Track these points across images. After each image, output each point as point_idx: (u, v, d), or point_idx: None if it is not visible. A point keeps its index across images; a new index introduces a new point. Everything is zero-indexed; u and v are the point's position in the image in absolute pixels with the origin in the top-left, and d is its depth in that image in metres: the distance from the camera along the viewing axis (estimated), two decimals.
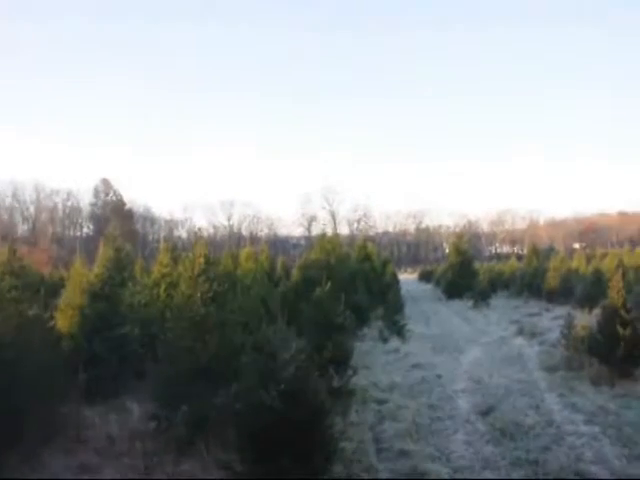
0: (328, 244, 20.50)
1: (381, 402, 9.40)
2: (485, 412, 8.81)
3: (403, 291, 33.28)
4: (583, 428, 7.97)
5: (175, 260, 13.21)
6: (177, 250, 15.61)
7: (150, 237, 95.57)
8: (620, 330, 10.39)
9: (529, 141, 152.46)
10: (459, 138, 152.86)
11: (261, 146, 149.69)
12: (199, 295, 7.49)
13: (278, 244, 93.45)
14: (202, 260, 7.75)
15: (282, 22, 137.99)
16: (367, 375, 11.27)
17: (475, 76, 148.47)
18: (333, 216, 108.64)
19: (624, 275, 23.95)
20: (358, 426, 8.09)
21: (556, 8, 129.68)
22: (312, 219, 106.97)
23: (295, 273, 20.00)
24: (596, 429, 7.89)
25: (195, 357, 7.10)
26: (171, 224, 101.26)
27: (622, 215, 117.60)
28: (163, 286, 12.30)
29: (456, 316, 24.55)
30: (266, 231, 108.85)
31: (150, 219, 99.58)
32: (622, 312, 10.62)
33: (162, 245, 15.58)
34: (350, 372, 9.21)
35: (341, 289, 12.15)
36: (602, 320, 11.03)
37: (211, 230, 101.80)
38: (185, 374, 7.01)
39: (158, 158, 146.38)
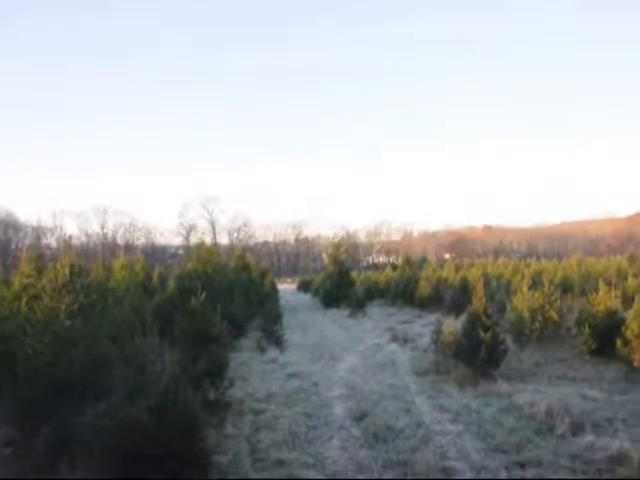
0: (206, 254, 20.16)
1: (258, 413, 9.34)
2: (359, 417, 9.04)
3: (282, 301, 33.51)
4: (449, 427, 8.44)
5: (40, 270, 12.35)
6: (44, 259, 14.60)
7: (13, 245, 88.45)
8: (482, 334, 11.16)
9: (405, 156, 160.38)
10: (339, 150, 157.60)
11: (137, 152, 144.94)
12: (63, 307, 7.04)
13: (155, 253, 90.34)
14: (67, 270, 7.29)
15: None
16: (244, 386, 11.17)
17: (348, 88, 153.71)
18: (212, 225, 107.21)
19: (487, 283, 25.80)
20: (234, 438, 7.99)
21: None
22: (191, 228, 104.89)
23: (171, 283, 19.45)
24: (460, 427, 8.40)
25: (57, 374, 6.64)
26: (39, 231, 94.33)
27: (487, 228, 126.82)
28: (25, 299, 11.41)
29: (333, 325, 25.04)
30: (143, 240, 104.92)
31: (13, 225, 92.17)
32: (484, 318, 11.40)
33: (24, 254, 14.44)
34: (226, 383, 9.09)
35: (218, 299, 11.99)
36: (466, 325, 11.77)
37: (83, 238, 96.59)
38: (46, 393, 6.53)
39: (23, 159, 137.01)
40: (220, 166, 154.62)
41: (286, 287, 69.33)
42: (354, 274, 44.07)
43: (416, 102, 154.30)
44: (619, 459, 6.80)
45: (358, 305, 28.21)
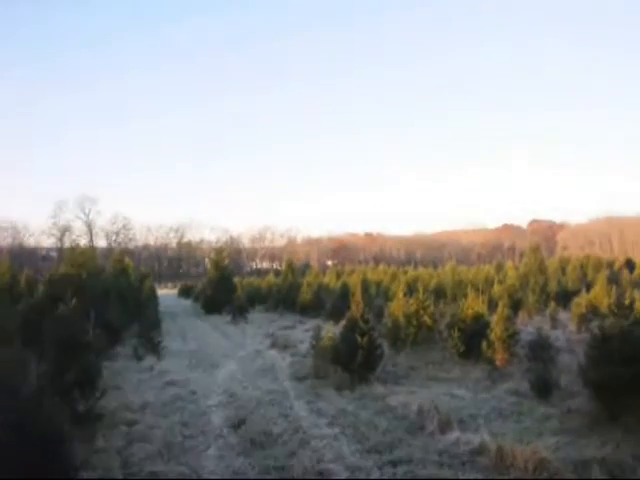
0: (81, 257, 19.15)
1: (131, 424, 8.94)
2: (237, 425, 8.95)
3: (162, 307, 32.47)
4: (326, 430, 8.58)
5: None
6: None
7: None
8: (359, 339, 11.48)
9: (288, 163, 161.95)
10: (223, 153, 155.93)
11: (6, 148, 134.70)
12: None
13: (24, 256, 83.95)
14: None
15: None
16: (118, 396, 10.67)
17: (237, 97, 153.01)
18: (89, 227, 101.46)
19: (366, 290, 26.61)
20: (105, 452, 7.58)
21: None
22: (65, 229, 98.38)
23: (41, 288, 18.23)
24: (337, 430, 8.57)
25: None
26: None
27: (368, 236, 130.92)
28: None
29: (214, 331, 24.68)
30: (9, 240, 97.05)
31: None
32: (361, 323, 11.74)
33: None
34: (98, 394, 8.62)
35: (92, 305, 11.39)
36: (345, 331, 12.06)
37: None
38: None
39: None
40: (98, 166, 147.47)
41: (167, 292, 67.39)
42: (237, 280, 43.74)
43: (290, 105, 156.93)
44: (480, 451, 7.31)
45: (240, 311, 28.03)
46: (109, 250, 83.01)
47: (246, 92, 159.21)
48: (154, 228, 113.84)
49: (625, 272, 35.96)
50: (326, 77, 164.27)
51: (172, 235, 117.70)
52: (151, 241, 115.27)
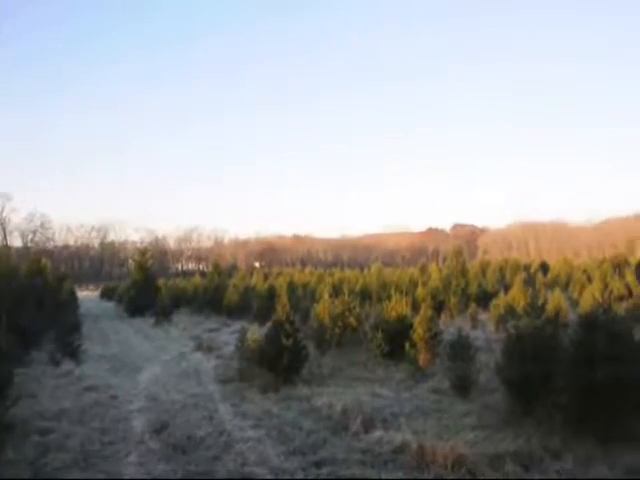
0: None
1: (46, 432, 8.54)
2: (159, 429, 8.75)
3: (83, 309, 31.32)
4: (250, 433, 8.54)
5: None
6: None
7: None
8: (284, 341, 11.49)
9: (216, 164, 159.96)
10: (148, 152, 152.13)
11: None
12: None
13: None
14: None
15: None
16: (31, 404, 10.16)
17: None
18: (2, 225, 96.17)
19: (293, 291, 26.66)
20: (15, 464, 7.19)
21: None
22: None
23: None
24: (262, 432, 8.54)
25: None
26: None
27: (296, 238, 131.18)
28: None
29: (137, 334, 24.03)
30: None
31: None
32: (287, 325, 11.76)
33: None
34: (8, 403, 8.17)
35: (5, 308, 10.84)
36: (270, 332, 12.04)
37: None
38: None
39: None
40: (13, 162, 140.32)
41: (88, 294, 65.00)
42: (162, 281, 42.74)
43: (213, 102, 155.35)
44: (402, 449, 7.48)
45: (164, 313, 27.43)
46: (25, 250, 79.01)
47: (159, 88, 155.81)
48: (74, 227, 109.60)
49: (540, 274, 37.76)
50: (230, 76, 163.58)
51: (94, 235, 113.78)
52: (71, 241, 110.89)
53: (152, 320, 27.78)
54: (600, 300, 9.33)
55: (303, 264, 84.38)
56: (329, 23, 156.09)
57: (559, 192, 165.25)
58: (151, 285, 33.95)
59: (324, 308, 16.16)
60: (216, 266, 38.79)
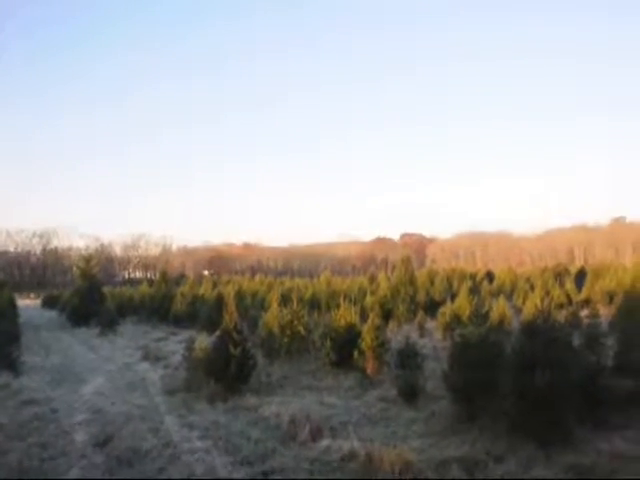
0: None
1: None
2: (103, 442, 8.53)
3: (23, 319, 30.15)
4: (198, 444, 8.42)
5: None
6: None
7: None
8: (232, 350, 11.39)
9: (164, 169, 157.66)
10: (93, 157, 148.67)
11: None
12: None
13: None
14: None
15: None
16: None
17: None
18: None
19: (242, 300, 26.44)
20: None
21: None
22: None
23: None
24: (209, 443, 8.45)
25: None
26: None
27: (245, 246, 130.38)
28: None
29: (81, 345, 23.30)
30: None
31: None
32: (234, 334, 11.66)
33: None
34: None
35: None
36: (218, 341, 11.92)
37: None
38: None
39: None
40: None
41: (29, 303, 62.57)
42: (107, 290, 41.65)
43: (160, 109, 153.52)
44: (350, 457, 7.55)
45: (109, 323, 26.69)
46: None
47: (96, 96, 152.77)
48: (14, 232, 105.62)
49: (485, 283, 38.67)
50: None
51: (36, 241, 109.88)
52: (11, 247, 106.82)
53: (97, 330, 26.97)
54: (541, 308, 9.61)
55: (253, 272, 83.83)
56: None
57: (504, 203, 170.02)
58: (96, 293, 32.95)
59: (273, 317, 16.10)
60: (164, 274, 38.01)
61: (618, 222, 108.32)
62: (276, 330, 15.72)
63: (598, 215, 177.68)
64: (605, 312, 24.44)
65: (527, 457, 7.45)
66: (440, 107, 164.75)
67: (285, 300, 18.78)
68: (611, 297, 29.39)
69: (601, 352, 12.71)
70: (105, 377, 14.65)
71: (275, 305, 16.66)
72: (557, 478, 6.86)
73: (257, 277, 52.91)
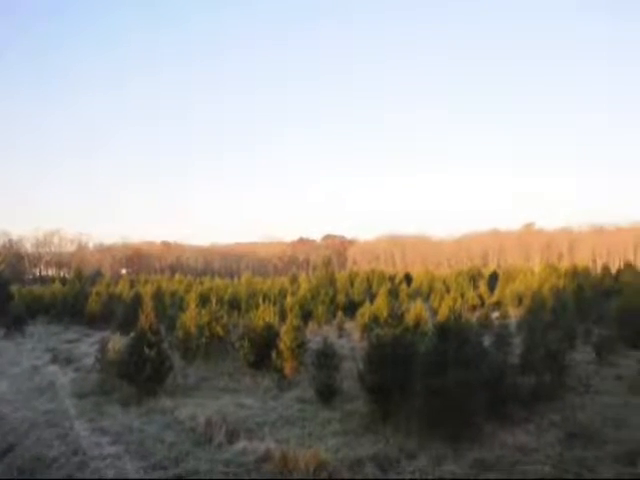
0: None
1: None
2: (4, 452, 8.07)
3: None
4: (109, 449, 8.16)
5: None
6: None
7: None
8: (147, 351, 11.11)
9: (80, 162, 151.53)
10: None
11: None
12: None
13: None
14: None
15: None
16: None
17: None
18: None
19: (161, 300, 25.84)
20: None
21: None
22: None
23: None
24: (121, 448, 8.20)
25: None
26: None
27: (165, 244, 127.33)
28: None
29: None
30: None
31: None
32: (150, 335, 11.38)
33: None
34: None
35: None
36: (133, 342, 11.59)
37: None
38: None
39: None
40: None
41: None
42: (16, 288, 39.50)
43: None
44: (265, 458, 7.56)
45: (17, 323, 25.31)
46: None
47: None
48: None
49: (404, 285, 39.70)
50: None
51: None
52: None
53: (2, 331, 25.54)
54: (456, 309, 9.99)
55: (173, 272, 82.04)
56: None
57: (423, 207, 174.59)
58: (2, 292, 31.22)
59: (191, 317, 15.82)
60: (78, 272, 36.59)
61: (528, 228, 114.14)
62: (194, 331, 15.46)
63: (510, 221, 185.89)
64: (514, 313, 25.69)
65: (437, 453, 7.75)
66: (366, 108, 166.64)
67: (204, 300, 18.51)
68: (520, 299, 30.98)
69: (509, 351, 13.44)
70: (9, 381, 13.87)
71: (193, 305, 16.37)
72: (464, 472, 7.15)
73: (176, 277, 51.85)
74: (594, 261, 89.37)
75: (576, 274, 35.76)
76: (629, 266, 43.76)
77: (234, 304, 25.69)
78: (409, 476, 7.12)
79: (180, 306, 24.27)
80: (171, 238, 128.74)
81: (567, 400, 10.78)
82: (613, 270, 45.75)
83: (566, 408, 10.07)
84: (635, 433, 8.70)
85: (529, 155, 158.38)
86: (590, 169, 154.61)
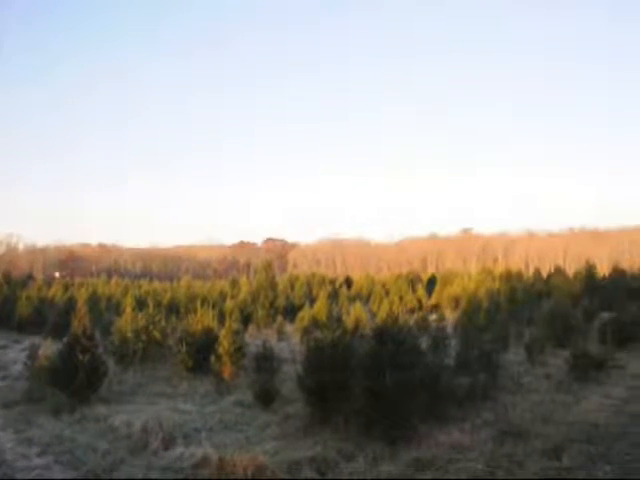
0: None
1: None
2: None
3: None
4: (37, 461, 7.84)
5: None
6: None
7: None
8: (80, 357, 10.75)
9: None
10: None
11: None
12: None
13: None
14: None
15: None
16: None
17: None
18: None
19: (96, 304, 25.11)
20: None
21: None
22: None
23: None
24: (50, 458, 7.90)
25: None
26: None
27: (101, 247, 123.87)
28: None
29: None
30: None
31: None
32: (84, 340, 11.01)
33: None
34: None
35: None
36: (65, 348, 11.19)
37: None
38: None
39: None
40: None
41: None
42: None
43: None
44: (202, 464, 7.45)
45: None
46: None
47: None
48: None
49: (344, 288, 40.03)
50: None
51: None
52: None
53: None
54: (394, 312, 10.17)
55: (109, 275, 79.76)
56: None
57: (364, 211, 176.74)
58: None
59: (127, 321, 15.41)
60: (6, 275, 35.05)
61: (466, 233, 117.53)
62: (130, 335, 15.06)
63: (449, 226, 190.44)
64: (451, 316, 26.35)
65: (375, 454, 7.84)
66: (315, 112, 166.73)
67: (142, 304, 18.10)
68: (457, 302, 31.80)
69: (445, 353, 13.77)
70: None
71: (130, 310, 15.94)
72: (400, 472, 7.28)
73: (113, 280, 50.45)
74: (527, 265, 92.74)
75: (510, 277, 37.03)
76: (559, 270, 45.56)
77: (173, 308, 25.22)
78: (347, 477, 7.18)
79: (117, 310, 23.64)
80: (108, 240, 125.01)
81: (500, 399, 11.15)
82: (544, 274, 47.51)
83: (499, 407, 10.43)
84: (561, 428, 9.10)
85: (464, 161, 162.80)
86: (524, 177, 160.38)
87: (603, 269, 58.74)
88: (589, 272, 37.55)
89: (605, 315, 21.63)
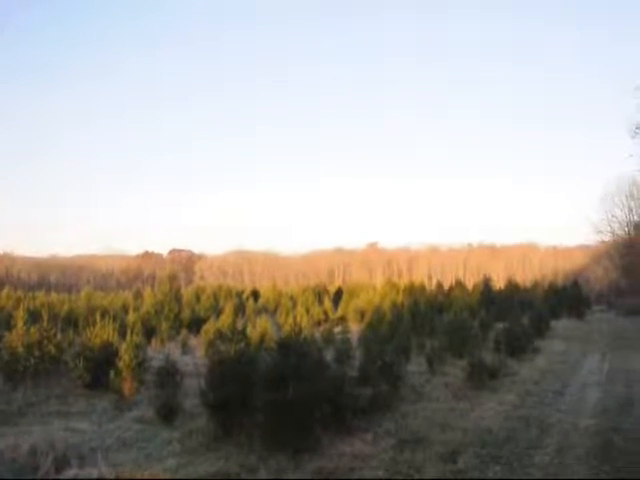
0: None
1: None
2: None
3: None
4: None
5: None
6: None
7: None
8: None
9: None
10: None
11: None
12: None
13: None
14: None
15: None
16: None
17: None
18: None
19: None
20: None
21: None
22: None
23: None
24: None
25: None
26: None
27: None
28: None
29: None
30: None
31: None
32: None
33: None
34: None
35: None
36: None
37: None
38: None
39: None
40: None
41: None
42: None
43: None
44: None
45: None
46: None
47: None
48: None
49: (251, 301, 39.76)
50: None
51: None
52: None
53: None
54: (299, 325, 10.24)
55: (1, 285, 74.71)
56: None
57: (271, 223, 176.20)
58: None
59: (18, 336, 14.47)
60: None
61: (372, 247, 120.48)
62: (21, 350, 14.16)
63: (355, 240, 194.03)
64: (356, 328, 26.82)
65: (278, 466, 7.88)
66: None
67: (36, 317, 17.08)
68: (362, 314, 32.44)
69: (349, 364, 14.02)
70: None
71: (21, 323, 14.99)
72: None
73: (5, 291, 47.28)
74: (430, 278, 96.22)
75: (413, 290, 38.22)
76: (459, 283, 47.70)
77: (71, 321, 24.04)
78: None
79: (7, 324, 22.17)
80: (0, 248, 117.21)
81: (401, 408, 11.53)
82: (446, 286, 49.53)
83: (400, 416, 10.77)
84: (457, 434, 9.57)
85: (369, 175, 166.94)
86: (427, 192, 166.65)
87: (499, 282, 62.18)
88: (486, 285, 39.64)
89: (500, 326, 22.83)
